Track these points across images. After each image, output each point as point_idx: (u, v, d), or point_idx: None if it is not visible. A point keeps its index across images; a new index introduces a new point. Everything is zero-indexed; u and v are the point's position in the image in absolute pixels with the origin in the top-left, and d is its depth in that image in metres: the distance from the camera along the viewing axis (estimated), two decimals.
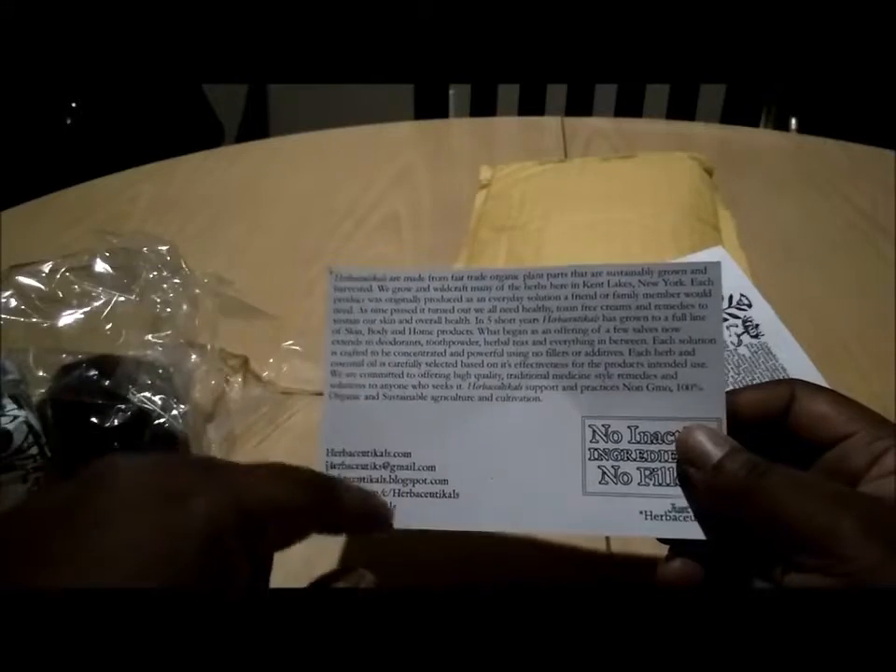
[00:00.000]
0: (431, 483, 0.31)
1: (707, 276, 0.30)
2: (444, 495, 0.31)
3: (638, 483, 0.29)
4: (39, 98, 1.13)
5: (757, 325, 0.45)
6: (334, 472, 0.31)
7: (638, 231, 0.54)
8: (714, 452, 0.27)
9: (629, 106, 0.98)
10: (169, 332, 0.48)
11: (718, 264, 0.30)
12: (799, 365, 0.46)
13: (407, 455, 0.31)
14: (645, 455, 0.29)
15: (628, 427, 0.30)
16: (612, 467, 0.30)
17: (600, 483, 0.30)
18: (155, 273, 0.52)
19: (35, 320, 0.49)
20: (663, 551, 0.29)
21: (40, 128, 1.15)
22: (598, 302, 0.30)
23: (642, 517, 0.29)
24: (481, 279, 0.32)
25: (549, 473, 0.30)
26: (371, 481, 0.31)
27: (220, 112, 1.45)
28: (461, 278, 0.32)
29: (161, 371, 0.45)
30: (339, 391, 0.32)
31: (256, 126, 1.60)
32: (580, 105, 0.98)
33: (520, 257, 0.53)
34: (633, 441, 0.30)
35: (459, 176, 0.69)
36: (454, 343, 0.31)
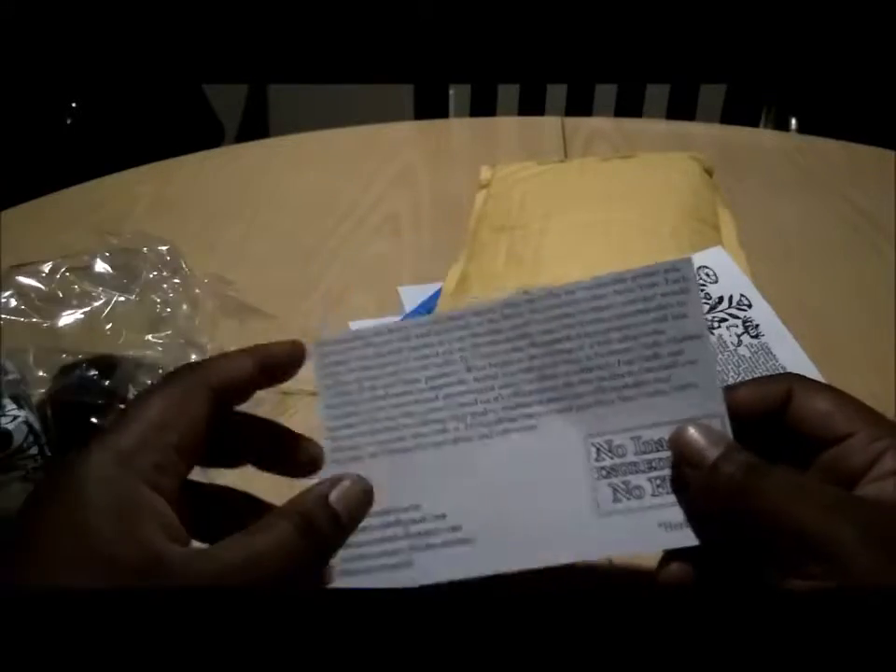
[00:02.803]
0: (445, 531, 0.30)
1: (680, 274, 0.29)
2: (460, 542, 0.30)
3: (652, 495, 0.29)
4: (39, 98, 1.13)
5: (757, 325, 0.45)
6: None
7: (638, 232, 0.54)
8: (710, 450, 0.26)
9: (629, 106, 0.97)
10: (169, 332, 0.48)
11: (689, 260, 0.29)
12: (799, 365, 0.46)
13: (416, 507, 0.30)
14: (653, 465, 0.29)
15: (631, 438, 0.29)
16: (623, 482, 0.29)
17: (614, 501, 0.29)
18: (155, 273, 0.52)
19: (35, 320, 0.49)
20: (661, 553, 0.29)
21: (40, 128, 1.15)
22: (578, 319, 0.30)
23: (662, 529, 0.28)
24: (459, 318, 0.31)
25: (561, 500, 0.29)
26: (384, 540, 0.30)
27: (220, 112, 1.45)
28: (440, 321, 0.32)
29: (160, 370, 0.45)
30: (339, 456, 0.31)
31: (256, 126, 1.60)
32: (580, 105, 0.98)
33: (520, 257, 0.53)
34: (638, 452, 0.29)
35: (459, 176, 0.69)
36: (444, 386, 0.31)
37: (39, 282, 0.51)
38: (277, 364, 0.30)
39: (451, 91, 0.99)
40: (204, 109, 1.41)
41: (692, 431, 0.27)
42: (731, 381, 0.41)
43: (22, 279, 0.51)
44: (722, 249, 0.47)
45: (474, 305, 0.31)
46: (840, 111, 1.04)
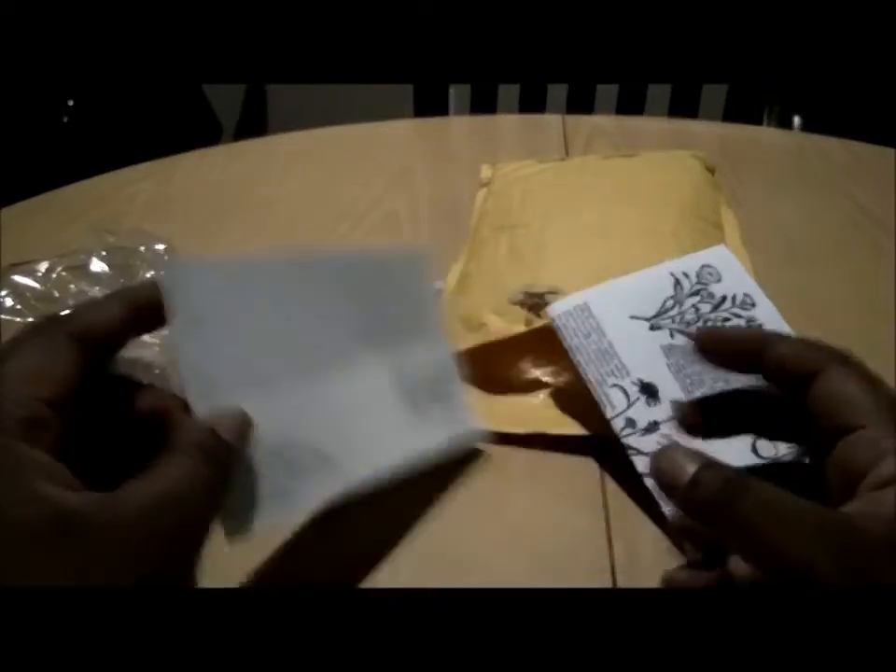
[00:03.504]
0: (311, 457, 0.32)
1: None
2: (324, 466, 0.33)
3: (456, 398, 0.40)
4: (37, 96, 1.13)
5: (760, 325, 0.45)
6: None
7: (640, 231, 0.53)
8: (688, 467, 0.26)
9: (630, 105, 0.97)
10: (166, 332, 0.48)
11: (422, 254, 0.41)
12: None
13: (288, 438, 0.32)
14: (441, 379, 0.40)
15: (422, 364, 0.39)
16: (430, 391, 0.39)
17: (429, 402, 0.39)
18: (152, 272, 0.51)
19: (31, 320, 0.48)
20: (665, 559, 0.29)
21: (38, 126, 1.15)
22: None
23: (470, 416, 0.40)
24: (282, 265, 0.34)
25: (388, 414, 0.37)
26: (265, 476, 0.31)
27: (219, 112, 1.45)
28: (274, 263, 0.34)
29: (157, 371, 0.45)
30: (198, 386, 0.30)
31: (254, 126, 1.60)
32: (580, 106, 0.98)
33: (521, 255, 0.53)
34: (431, 371, 0.40)
35: (459, 175, 0.69)
36: (294, 327, 0.34)
37: (35, 281, 0.51)
38: (146, 306, 0.29)
39: (451, 91, 0.99)
40: (203, 109, 1.41)
41: (668, 454, 0.26)
42: (731, 381, 0.40)
43: (18, 278, 0.50)
44: (726, 248, 0.47)
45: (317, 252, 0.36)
46: (843, 109, 1.04)
